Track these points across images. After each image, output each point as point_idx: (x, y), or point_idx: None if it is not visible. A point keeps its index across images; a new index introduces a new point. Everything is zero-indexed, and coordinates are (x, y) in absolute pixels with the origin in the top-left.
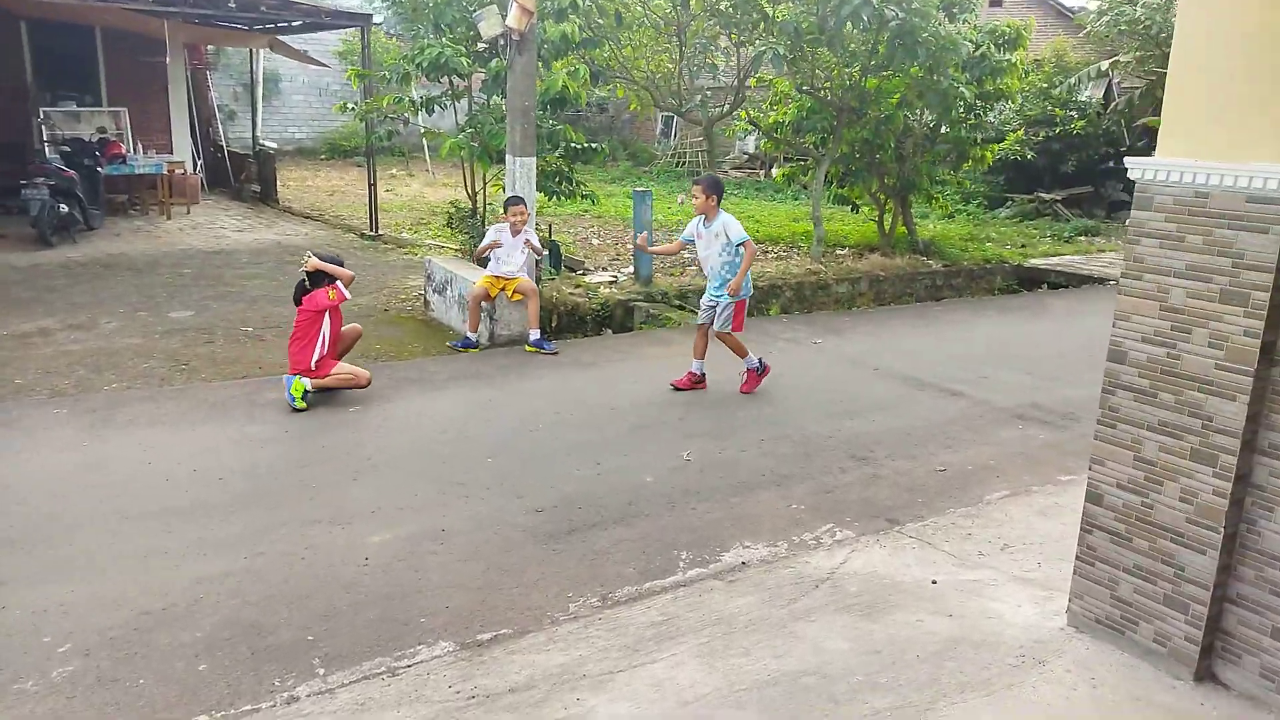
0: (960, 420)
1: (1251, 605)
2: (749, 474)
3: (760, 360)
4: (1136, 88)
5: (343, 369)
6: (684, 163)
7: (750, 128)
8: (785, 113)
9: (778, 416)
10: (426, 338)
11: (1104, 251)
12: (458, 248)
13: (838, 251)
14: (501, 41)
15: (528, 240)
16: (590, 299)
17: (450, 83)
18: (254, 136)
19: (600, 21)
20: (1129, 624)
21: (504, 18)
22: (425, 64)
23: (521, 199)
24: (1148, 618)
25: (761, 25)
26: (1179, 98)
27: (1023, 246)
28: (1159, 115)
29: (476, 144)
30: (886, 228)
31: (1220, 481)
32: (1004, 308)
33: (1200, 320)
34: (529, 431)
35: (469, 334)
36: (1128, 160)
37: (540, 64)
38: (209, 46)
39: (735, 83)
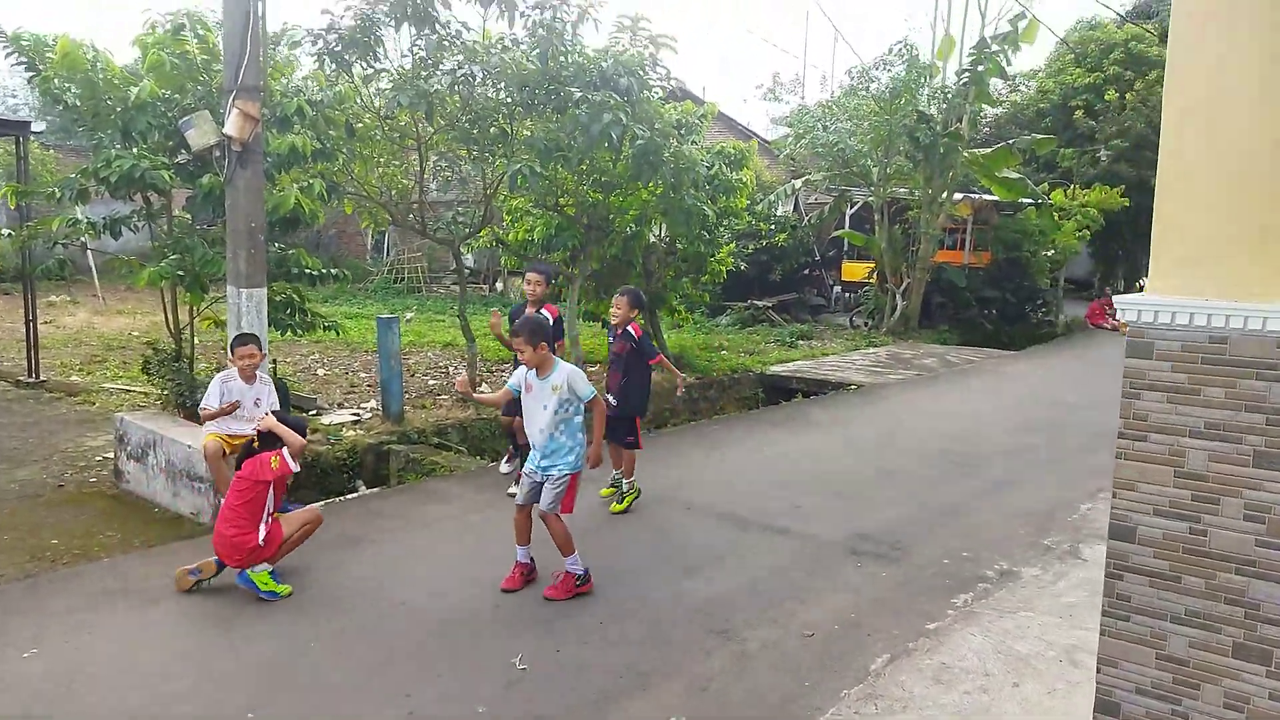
0: (799, 564)
1: None
2: (604, 677)
3: (586, 570)
4: (825, 203)
5: (291, 524)
6: (402, 279)
7: (496, 245)
8: (526, 229)
9: (608, 585)
10: (124, 521)
11: (826, 355)
12: (156, 393)
13: (589, 369)
14: (217, 153)
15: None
16: (334, 445)
17: (146, 200)
18: None
19: (331, 133)
20: None
21: (220, 125)
22: (115, 178)
23: (254, 337)
24: None
25: (500, 144)
26: (1174, 226)
27: (754, 353)
28: (844, 227)
29: (184, 273)
30: None
31: (1277, 683)
32: (773, 422)
33: (1231, 488)
34: (300, 658)
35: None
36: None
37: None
38: None
39: (481, 199)
